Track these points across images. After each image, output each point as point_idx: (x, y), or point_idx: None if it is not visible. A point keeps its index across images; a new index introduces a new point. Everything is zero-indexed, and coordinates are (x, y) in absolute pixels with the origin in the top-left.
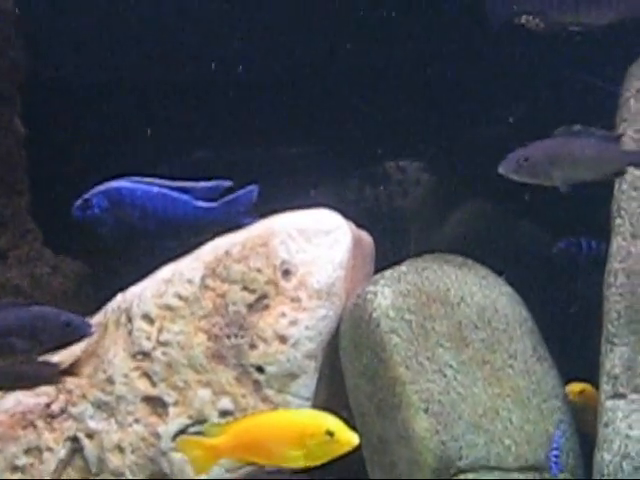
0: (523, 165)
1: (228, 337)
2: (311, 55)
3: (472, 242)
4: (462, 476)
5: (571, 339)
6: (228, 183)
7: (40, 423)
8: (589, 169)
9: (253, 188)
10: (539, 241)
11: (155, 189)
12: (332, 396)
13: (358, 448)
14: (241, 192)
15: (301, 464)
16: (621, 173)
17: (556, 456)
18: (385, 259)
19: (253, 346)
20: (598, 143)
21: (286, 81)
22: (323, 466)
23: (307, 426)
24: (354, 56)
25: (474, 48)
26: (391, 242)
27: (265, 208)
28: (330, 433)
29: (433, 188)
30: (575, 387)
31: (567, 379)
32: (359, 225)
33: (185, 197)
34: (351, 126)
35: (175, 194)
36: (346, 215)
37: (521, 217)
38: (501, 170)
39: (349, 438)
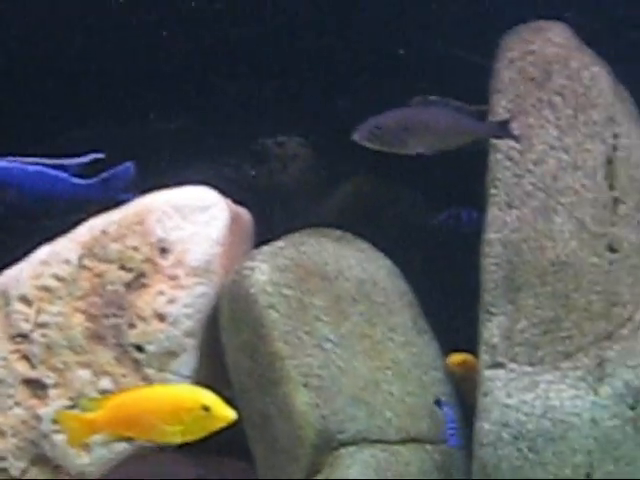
0: (376, 133)
1: (107, 317)
2: (185, 31)
3: (354, 216)
4: (343, 450)
5: (454, 310)
6: (101, 155)
7: None
8: (442, 138)
9: (130, 164)
10: (421, 213)
11: (31, 167)
12: (214, 373)
13: (235, 423)
14: (119, 168)
15: (178, 440)
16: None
17: (453, 428)
18: (266, 235)
19: (132, 325)
20: (451, 113)
21: (161, 58)
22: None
23: (183, 401)
24: (226, 31)
25: (346, 22)
26: (272, 218)
27: (143, 185)
28: (206, 408)
29: (313, 162)
30: (456, 358)
31: (448, 350)
32: (237, 202)
33: (62, 175)
34: (229, 102)
35: (52, 172)
36: (224, 192)
37: (403, 189)
38: (355, 138)
39: (225, 413)
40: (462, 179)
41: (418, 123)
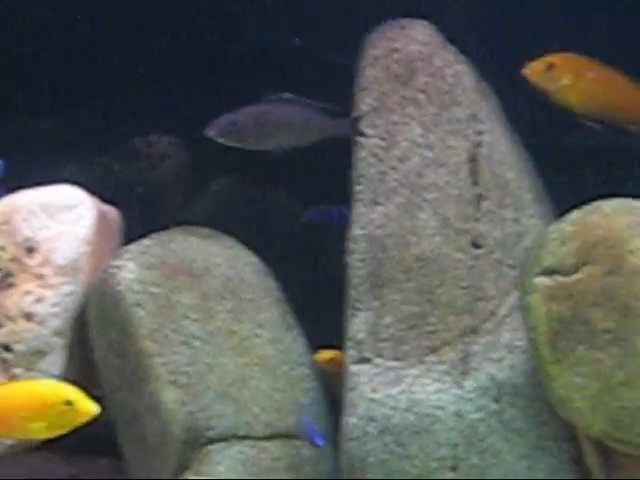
0: (231, 129)
1: None
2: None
3: (224, 214)
4: (211, 446)
5: (324, 307)
6: None
7: None
8: (294, 135)
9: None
10: (291, 211)
11: None
12: (84, 372)
13: (98, 417)
14: None
15: (43, 435)
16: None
17: (313, 430)
18: (135, 234)
19: None
20: (303, 110)
21: (31, 56)
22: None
23: (46, 397)
24: (95, 28)
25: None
26: (141, 217)
27: (12, 184)
28: (69, 403)
29: (183, 162)
30: (324, 355)
31: (317, 346)
32: (106, 201)
33: None
34: (101, 101)
35: None
36: (93, 191)
37: (274, 187)
38: (209, 134)
39: (88, 407)
40: (334, 177)
41: (272, 119)
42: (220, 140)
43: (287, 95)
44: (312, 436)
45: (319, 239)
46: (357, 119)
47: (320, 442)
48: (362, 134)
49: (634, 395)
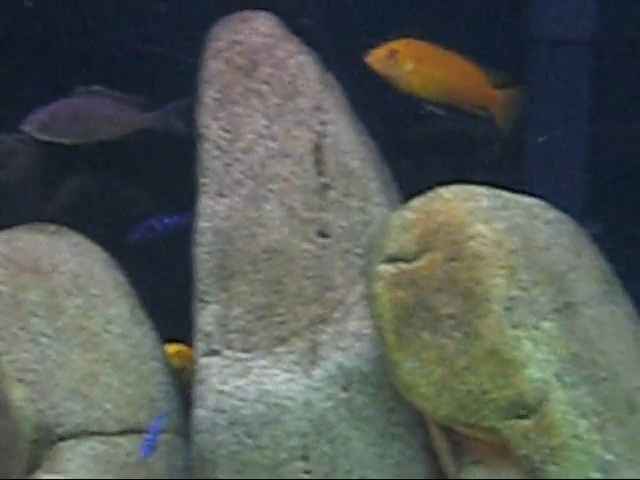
0: (47, 123)
1: None
2: None
3: (75, 211)
4: (62, 443)
5: (175, 301)
6: None
7: None
8: (106, 128)
9: None
10: (142, 206)
11: None
12: None
13: None
14: None
15: None
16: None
17: (151, 440)
18: None
19: None
20: (115, 103)
21: None
22: None
23: None
24: None
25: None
26: None
27: None
28: None
29: (35, 159)
30: (171, 348)
31: (166, 340)
32: None
33: None
34: None
35: None
36: None
37: (124, 184)
38: (25, 129)
39: None
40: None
41: (85, 113)
42: (36, 135)
43: (97, 88)
44: (144, 444)
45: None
46: (172, 112)
47: (143, 452)
48: (182, 131)
49: (478, 379)
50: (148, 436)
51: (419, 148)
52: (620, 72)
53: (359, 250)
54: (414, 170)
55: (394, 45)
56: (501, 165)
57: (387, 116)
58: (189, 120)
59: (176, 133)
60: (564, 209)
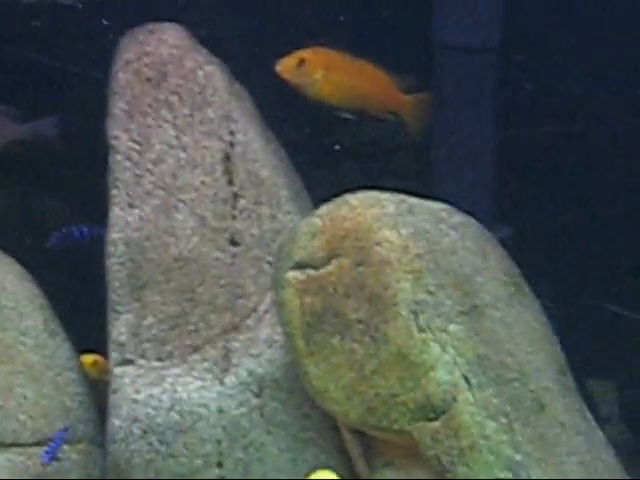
0: None
1: None
2: None
3: None
4: None
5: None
6: None
7: None
8: None
9: None
10: (57, 217)
11: None
12: None
13: None
14: None
15: None
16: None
17: (52, 449)
18: None
19: None
20: None
21: None
22: None
23: None
24: None
25: None
26: None
27: None
28: None
29: None
30: (87, 358)
31: (82, 350)
32: None
33: None
34: None
35: None
36: None
37: (39, 195)
38: None
39: None
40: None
41: None
42: None
43: None
44: (45, 452)
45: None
46: (45, 124)
47: (44, 458)
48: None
49: (387, 383)
50: (52, 444)
51: (333, 156)
52: (524, 78)
53: (270, 258)
54: (328, 178)
55: (302, 53)
56: (414, 171)
57: (301, 125)
58: (63, 132)
59: (50, 146)
60: (472, 213)
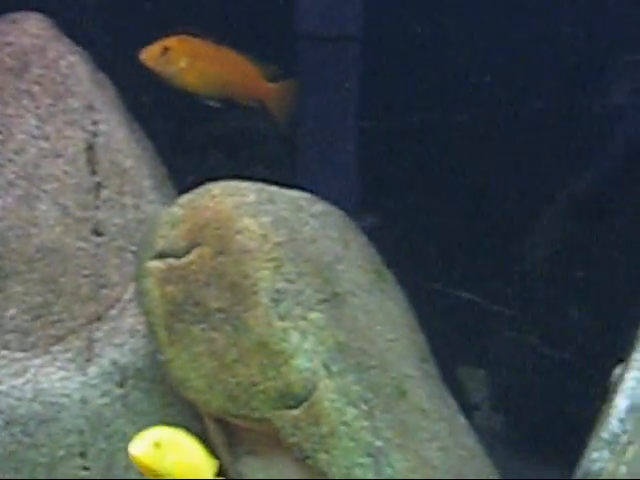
0: None
1: None
2: None
3: None
4: None
5: None
6: None
7: None
8: None
9: None
10: None
11: None
12: None
13: None
14: None
15: None
16: None
17: None
18: None
19: None
20: None
21: None
22: None
23: None
24: None
25: None
26: None
27: None
28: None
29: None
30: None
31: None
32: None
33: None
34: None
35: None
36: None
37: None
38: None
39: None
40: None
41: None
42: None
43: None
44: None
45: None
46: None
47: None
48: None
49: (248, 371)
50: None
51: (201, 145)
52: (386, 68)
53: (134, 247)
54: (196, 167)
55: (167, 42)
56: (282, 160)
57: (168, 114)
58: None
59: None
60: (337, 202)
